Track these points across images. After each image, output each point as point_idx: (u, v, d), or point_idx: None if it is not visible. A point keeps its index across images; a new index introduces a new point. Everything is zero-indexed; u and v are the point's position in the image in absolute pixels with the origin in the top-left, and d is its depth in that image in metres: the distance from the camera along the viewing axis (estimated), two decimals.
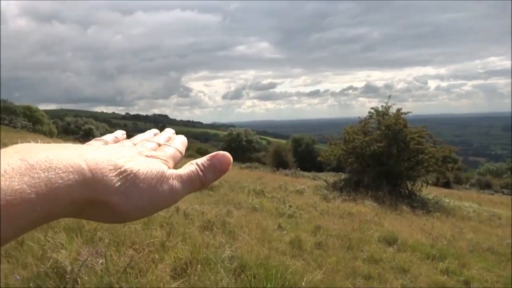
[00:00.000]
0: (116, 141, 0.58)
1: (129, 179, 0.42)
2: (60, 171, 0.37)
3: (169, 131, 0.62)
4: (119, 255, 3.11)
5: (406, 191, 13.57)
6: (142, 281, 2.81)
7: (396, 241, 6.21)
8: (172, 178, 0.46)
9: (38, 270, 2.64)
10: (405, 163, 13.62)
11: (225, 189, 9.36)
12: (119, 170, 0.42)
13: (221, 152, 0.50)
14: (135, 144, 0.54)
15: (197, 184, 0.49)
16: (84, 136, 40.10)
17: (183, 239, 4.04)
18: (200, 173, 0.49)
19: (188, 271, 3.24)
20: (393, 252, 5.70)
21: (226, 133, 58.42)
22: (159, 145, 0.55)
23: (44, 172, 0.37)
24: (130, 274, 2.84)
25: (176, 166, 0.50)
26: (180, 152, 0.54)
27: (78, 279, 2.59)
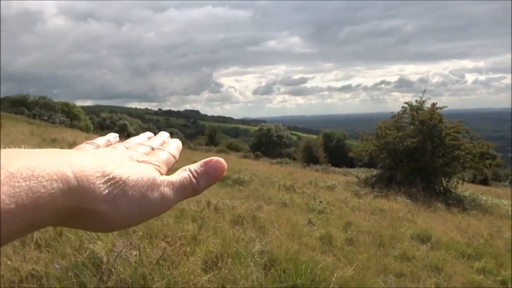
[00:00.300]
0: (108, 144, 0.56)
1: (118, 187, 0.41)
2: (42, 180, 0.35)
3: (163, 135, 0.61)
4: (152, 248, 3.20)
5: (441, 188, 13.21)
6: (174, 273, 2.88)
7: (430, 239, 6.08)
8: (164, 185, 0.45)
9: (76, 260, 2.75)
10: (440, 159, 13.26)
11: (255, 184, 9.42)
12: (107, 177, 0.40)
13: (215, 158, 0.49)
14: (127, 148, 0.53)
15: (189, 191, 0.47)
16: (119, 131, 41.06)
17: (214, 233, 4.10)
18: (193, 180, 0.47)
19: (218, 265, 3.29)
20: (426, 250, 5.59)
21: (256, 128, 58.58)
22: (153, 149, 0.53)
23: (25, 181, 0.35)
24: (162, 266, 2.91)
25: (170, 172, 0.49)
26: (174, 157, 0.53)
27: (113, 270, 2.68)
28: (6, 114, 24.70)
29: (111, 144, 0.56)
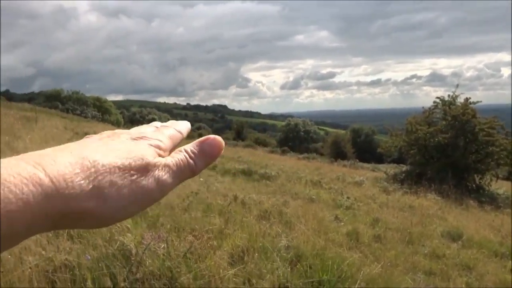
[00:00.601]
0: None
1: (103, 179, 0.37)
2: (11, 186, 0.32)
3: (175, 122, 0.53)
4: (179, 241, 3.25)
5: (474, 185, 12.85)
6: (201, 266, 2.92)
7: (461, 237, 5.93)
8: (158, 169, 0.41)
9: (107, 251, 2.83)
10: (473, 155, 12.88)
11: (282, 179, 9.41)
12: (88, 172, 0.36)
13: (211, 136, 0.46)
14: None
15: (187, 173, 0.43)
16: None
17: (240, 227, 4.13)
18: (190, 160, 0.43)
19: (245, 259, 3.32)
20: (457, 248, 5.45)
21: (283, 123, 58.45)
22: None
23: None
24: (189, 259, 2.96)
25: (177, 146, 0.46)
26: (180, 132, 0.48)
27: (142, 262, 2.74)
28: (41, 109, 25.54)
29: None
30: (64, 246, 2.82)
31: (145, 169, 0.40)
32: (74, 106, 37.01)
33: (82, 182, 0.36)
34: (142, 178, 0.39)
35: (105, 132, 0.45)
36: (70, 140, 10.62)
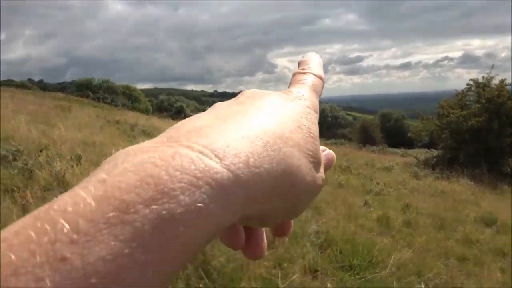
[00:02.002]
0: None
1: (289, 159, 0.27)
2: (175, 191, 0.21)
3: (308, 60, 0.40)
4: None
5: (509, 169, 12.46)
6: (233, 250, 2.99)
7: (495, 222, 5.80)
8: (322, 165, 0.32)
9: None
10: (508, 139, 12.47)
11: None
12: (272, 150, 0.26)
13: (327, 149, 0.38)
14: None
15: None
16: (176, 113, 42.51)
17: None
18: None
19: (275, 243, 3.37)
20: (491, 233, 5.34)
21: None
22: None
23: (147, 206, 0.20)
24: (218, 245, 3.03)
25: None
26: (320, 77, 0.38)
27: None
28: (73, 98, 26.29)
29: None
30: None
31: (318, 158, 0.31)
32: (104, 94, 37.83)
33: (268, 166, 0.25)
34: (317, 167, 0.31)
35: (245, 92, 0.34)
36: (102, 128, 10.88)
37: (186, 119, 0.29)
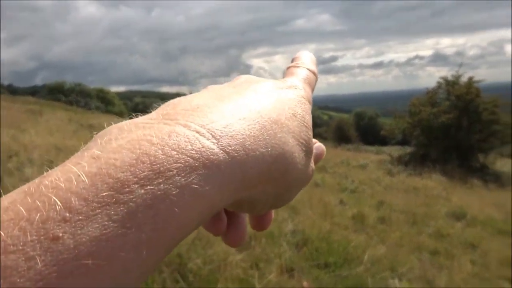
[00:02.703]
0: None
1: (284, 144, 0.27)
2: (172, 172, 0.20)
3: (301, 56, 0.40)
4: None
5: (478, 164, 12.87)
6: (209, 252, 2.99)
7: (465, 216, 5.99)
8: (313, 156, 0.32)
9: None
10: (477, 135, 12.88)
11: None
12: (267, 133, 0.26)
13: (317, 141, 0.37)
14: None
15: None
16: None
17: None
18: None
19: (252, 244, 3.39)
20: (461, 227, 5.52)
21: None
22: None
23: (142, 186, 0.19)
24: (198, 245, 3.04)
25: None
26: (314, 73, 0.38)
27: None
28: (44, 101, 25.63)
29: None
30: None
31: (310, 148, 0.31)
32: (77, 98, 37.04)
33: (263, 150, 0.25)
34: (308, 157, 0.31)
35: (240, 77, 0.34)
36: (75, 132, 10.67)
37: (181, 97, 0.29)
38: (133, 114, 0.27)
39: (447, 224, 5.53)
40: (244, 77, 0.34)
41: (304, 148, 0.29)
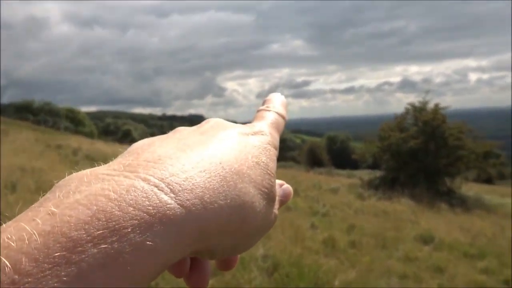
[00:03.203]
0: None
1: (242, 194, 0.27)
2: (126, 229, 0.20)
3: (272, 99, 0.42)
4: None
5: (445, 188, 13.21)
6: (178, 280, 2.93)
7: (433, 240, 6.10)
8: (277, 201, 0.33)
9: None
10: (444, 159, 13.27)
11: None
12: (227, 183, 0.27)
13: (285, 183, 0.39)
14: None
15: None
16: (123, 136, 41.39)
17: None
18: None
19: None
20: (429, 251, 5.61)
21: None
22: None
23: (95, 245, 0.19)
24: (167, 272, 2.96)
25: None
26: (283, 116, 0.39)
27: None
28: (11, 121, 24.88)
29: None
30: None
31: (273, 195, 0.31)
32: (46, 117, 36.16)
33: (222, 202, 0.26)
34: (270, 205, 0.31)
35: (209, 121, 0.35)
36: (42, 152, 10.35)
37: (146, 142, 0.29)
38: (96, 163, 0.27)
39: (415, 248, 5.61)
40: (213, 121, 0.34)
41: (265, 196, 0.30)
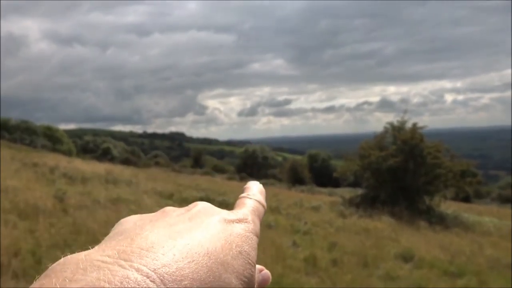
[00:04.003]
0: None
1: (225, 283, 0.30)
2: None
3: (251, 187, 0.46)
4: None
5: (424, 206, 13.37)
6: None
7: (413, 258, 6.13)
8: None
9: None
10: (422, 178, 13.46)
11: None
12: (213, 275, 0.29)
13: (265, 269, 0.42)
14: None
15: None
16: (103, 154, 40.77)
17: None
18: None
19: None
20: (410, 268, 5.63)
21: (242, 150, 58.61)
22: None
23: None
24: None
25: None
26: (263, 205, 0.43)
27: None
28: None
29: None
30: (8, 285, 2.67)
31: (252, 284, 0.33)
32: (22, 135, 35.41)
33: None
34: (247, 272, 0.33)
35: (197, 205, 0.37)
36: (17, 171, 10.09)
37: (138, 223, 0.32)
38: (89, 247, 0.29)
39: (396, 266, 5.62)
40: (200, 206, 0.37)
41: (245, 285, 0.32)
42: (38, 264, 3.17)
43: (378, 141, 14.72)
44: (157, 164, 44.03)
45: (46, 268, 0.25)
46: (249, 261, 0.33)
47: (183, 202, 9.14)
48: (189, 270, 0.27)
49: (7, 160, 12.45)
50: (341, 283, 4.41)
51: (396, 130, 14.51)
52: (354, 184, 19.71)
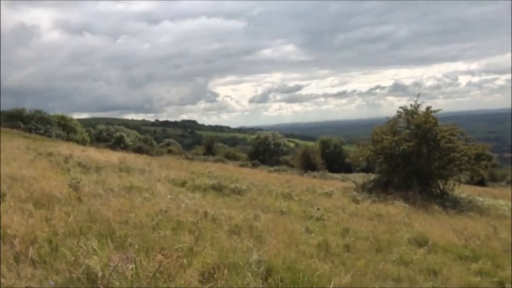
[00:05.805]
0: None
1: None
2: None
3: None
4: (148, 261, 3.20)
5: (438, 191, 13.26)
6: (171, 286, 2.88)
7: (427, 242, 6.09)
8: None
9: (71, 275, 2.76)
10: (436, 162, 13.32)
11: (252, 193, 9.42)
12: None
13: None
14: None
15: None
16: (116, 143, 41.13)
17: (211, 244, 4.11)
18: None
19: (215, 276, 3.30)
20: (423, 253, 5.60)
21: (253, 137, 58.60)
22: None
23: None
24: (159, 279, 2.91)
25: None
26: None
27: (109, 285, 2.68)
28: (2, 129, 24.65)
29: None
30: (26, 273, 2.72)
31: None
32: (37, 125, 35.92)
33: None
34: None
35: None
36: (33, 160, 10.21)
37: None
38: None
39: (409, 251, 5.60)
40: None
41: None
42: (55, 252, 3.23)
43: (391, 125, 14.57)
44: (169, 152, 44.34)
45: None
46: None
47: (196, 189, 9.20)
48: None
49: (22, 150, 12.65)
50: (354, 268, 4.40)
51: (410, 114, 14.33)
52: (367, 170, 19.60)
